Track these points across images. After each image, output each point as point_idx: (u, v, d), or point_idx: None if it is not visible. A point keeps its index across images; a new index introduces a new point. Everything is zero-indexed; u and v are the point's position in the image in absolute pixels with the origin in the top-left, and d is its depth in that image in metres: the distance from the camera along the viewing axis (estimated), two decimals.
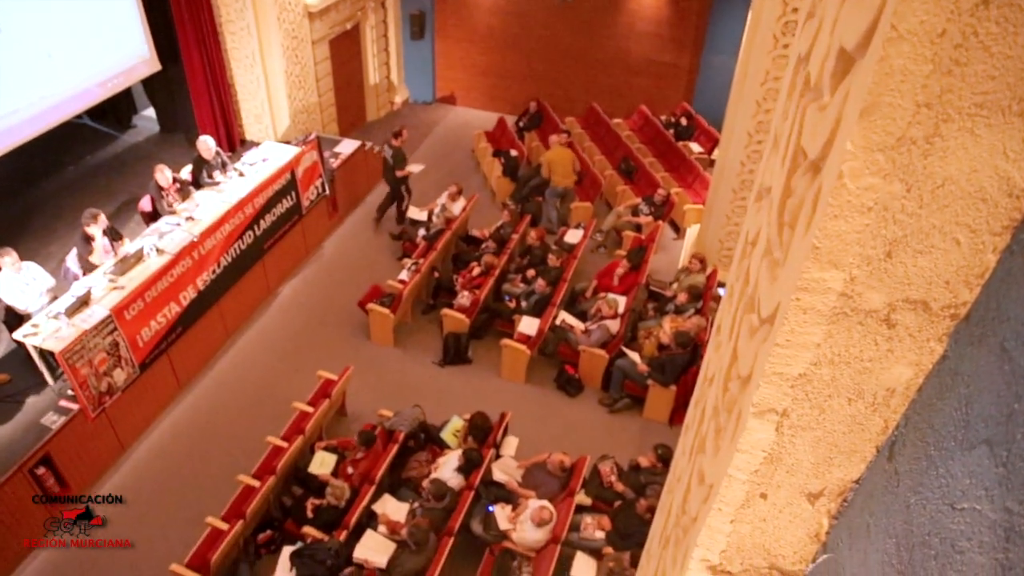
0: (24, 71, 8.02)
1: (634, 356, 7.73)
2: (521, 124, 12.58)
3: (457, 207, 9.73)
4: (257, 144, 9.80)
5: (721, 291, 8.38)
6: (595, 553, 5.98)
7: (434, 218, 9.68)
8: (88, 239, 7.50)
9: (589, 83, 13.11)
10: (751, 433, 1.32)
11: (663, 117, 12.40)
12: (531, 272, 8.84)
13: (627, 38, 12.46)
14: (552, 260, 8.92)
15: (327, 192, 9.83)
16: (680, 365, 7.45)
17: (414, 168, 10.07)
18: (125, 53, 9.32)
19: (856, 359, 1.16)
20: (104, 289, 7.08)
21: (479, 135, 12.48)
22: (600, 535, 6.11)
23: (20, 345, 6.77)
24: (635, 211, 10.22)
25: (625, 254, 9.21)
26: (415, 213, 9.96)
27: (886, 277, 1.05)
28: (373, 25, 12.42)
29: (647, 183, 10.83)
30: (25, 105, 8.11)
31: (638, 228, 10.05)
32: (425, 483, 6.26)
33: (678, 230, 10.65)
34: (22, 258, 6.90)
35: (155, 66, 9.76)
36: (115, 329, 6.88)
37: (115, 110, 10.80)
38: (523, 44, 13.18)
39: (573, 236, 9.67)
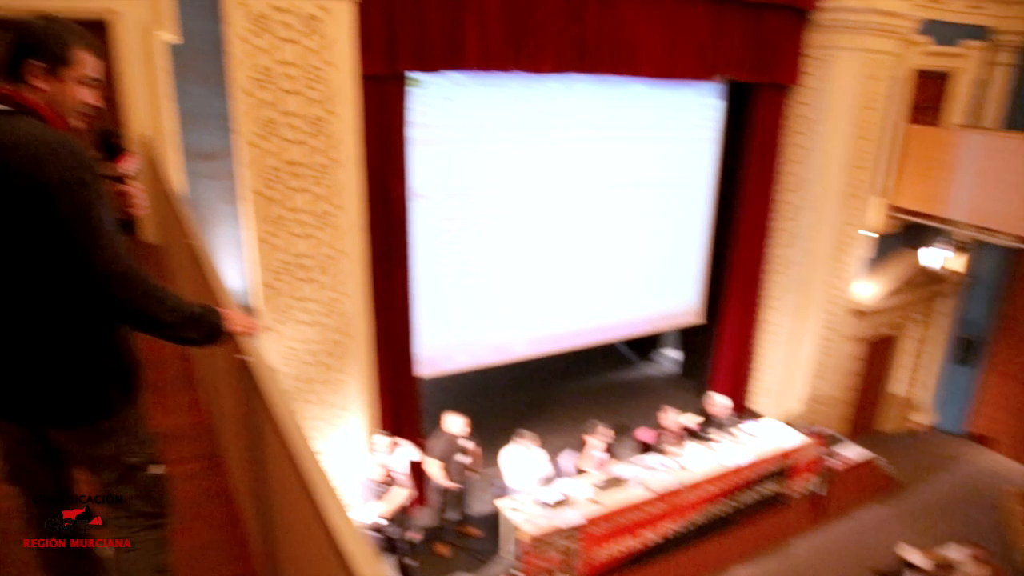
0: (591, 294, 9.38)
1: None
2: None
3: (975, 571, 7.99)
4: (762, 417, 9.69)
5: None
6: None
7: (935, 569, 8.09)
8: (586, 446, 8.11)
9: None
10: None
11: None
12: None
13: None
14: None
15: (819, 491, 9.10)
16: None
17: None
18: (678, 298, 10.31)
19: None
20: (583, 497, 7.45)
21: (1012, 493, 10.36)
22: None
23: (497, 512, 7.47)
24: None
25: None
26: (914, 556, 8.48)
27: None
28: (914, 337, 11.70)
29: None
30: (578, 320, 9.43)
31: None
32: None
33: None
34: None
35: (700, 319, 10.60)
36: (578, 538, 7.12)
37: (641, 340, 11.90)
38: None
39: None
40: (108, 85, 5.36)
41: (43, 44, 1.81)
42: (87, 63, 1.88)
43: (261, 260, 6.02)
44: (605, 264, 9.35)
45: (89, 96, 1.91)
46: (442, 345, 8.32)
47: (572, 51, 7.49)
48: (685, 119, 9.36)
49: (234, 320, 2.04)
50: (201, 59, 5.65)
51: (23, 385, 1.85)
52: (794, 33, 8.93)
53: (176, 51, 5.57)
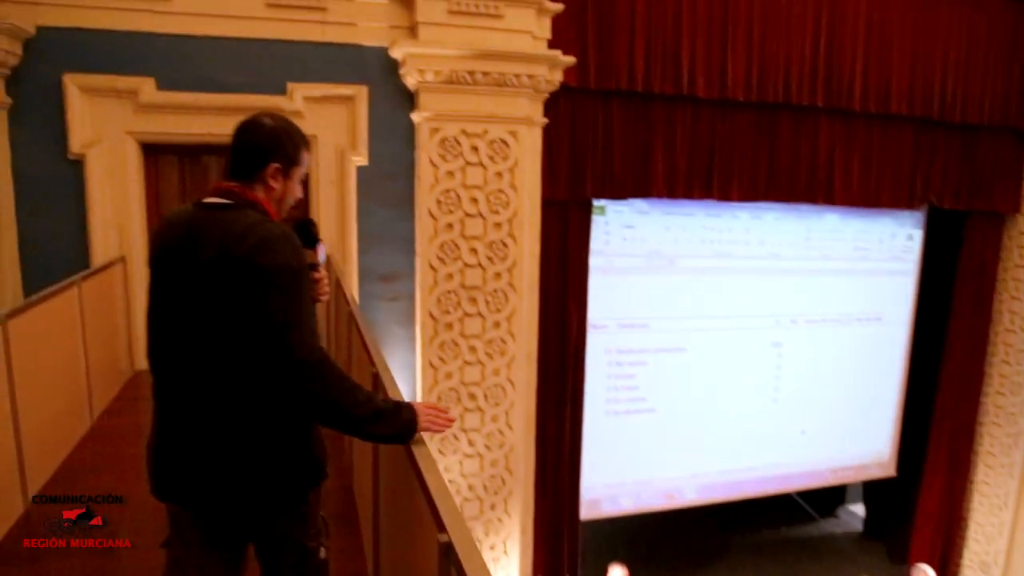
0: (773, 438, 8.45)
1: None
2: None
3: None
4: None
5: None
6: None
7: None
8: None
9: None
10: None
11: None
12: None
13: None
14: None
15: None
16: None
17: None
18: (866, 448, 9.13)
19: None
20: None
21: None
22: None
23: None
24: None
25: None
26: None
27: None
28: None
29: None
30: (754, 467, 8.47)
31: None
32: None
33: None
34: None
35: (889, 471, 9.30)
36: None
37: (822, 492, 10.60)
38: None
39: None
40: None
41: (283, 147, 1.92)
42: (307, 162, 2.03)
43: (429, 386, 5.74)
44: (787, 405, 8.44)
45: (300, 191, 2.03)
46: (605, 485, 7.63)
47: (763, 178, 7.02)
48: (881, 250, 8.52)
49: (427, 415, 1.94)
50: (387, 182, 5.64)
51: (219, 469, 1.81)
52: (1014, 155, 8.02)
53: (363, 173, 5.60)
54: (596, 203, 6.72)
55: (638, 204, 7.16)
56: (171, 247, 1.82)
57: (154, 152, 5.31)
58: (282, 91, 5.26)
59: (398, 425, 1.86)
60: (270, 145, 1.90)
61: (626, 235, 7.23)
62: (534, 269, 5.97)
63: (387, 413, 1.85)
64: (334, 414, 1.79)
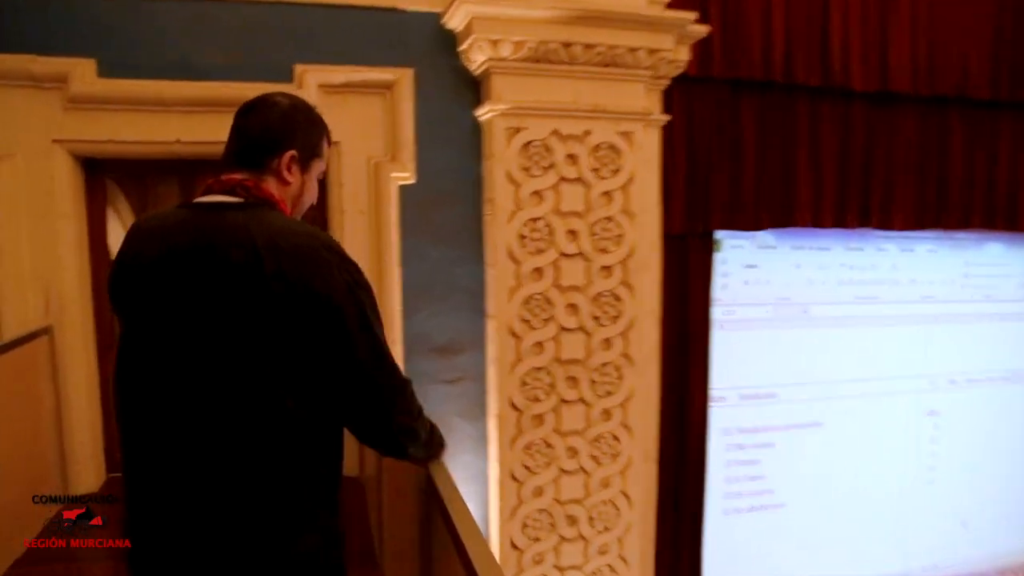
0: (927, 532, 6.60)
1: None
2: None
3: None
4: None
5: None
6: None
7: None
8: None
9: None
10: None
11: None
12: None
13: None
14: None
15: None
16: None
17: None
18: None
19: None
20: None
21: None
22: None
23: None
24: None
25: None
26: None
27: None
28: None
29: None
30: (914, 569, 6.60)
31: None
32: None
33: None
34: None
35: None
36: None
37: None
38: None
39: None
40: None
41: (302, 131, 1.55)
42: (327, 157, 1.70)
43: (511, 507, 3.90)
44: (944, 489, 6.56)
45: (317, 192, 1.66)
46: None
47: (931, 198, 5.27)
48: None
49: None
50: (443, 208, 3.90)
51: (222, 541, 1.37)
52: None
53: (408, 196, 3.85)
54: (717, 238, 4.96)
55: (762, 237, 5.40)
56: (161, 263, 1.34)
57: (101, 170, 3.60)
58: (286, 77, 3.53)
59: (434, 450, 1.73)
60: (286, 127, 1.50)
61: (748, 277, 5.44)
62: (654, 331, 4.15)
63: (434, 439, 1.70)
64: (407, 450, 1.55)
